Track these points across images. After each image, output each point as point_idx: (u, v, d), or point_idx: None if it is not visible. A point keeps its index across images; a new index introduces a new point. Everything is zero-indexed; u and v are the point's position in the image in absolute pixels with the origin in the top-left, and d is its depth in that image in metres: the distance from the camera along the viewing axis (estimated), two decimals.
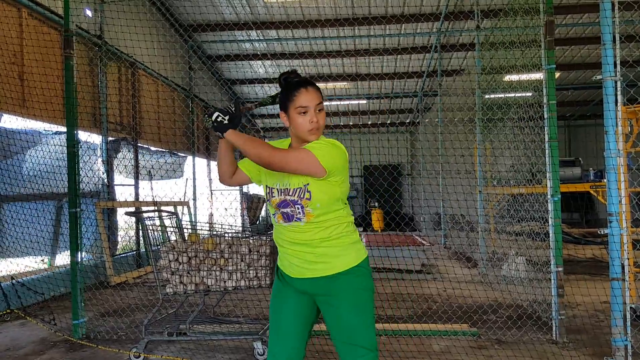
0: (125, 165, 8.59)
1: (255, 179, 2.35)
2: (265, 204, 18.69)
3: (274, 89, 14.96)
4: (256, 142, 2.10)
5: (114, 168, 8.29)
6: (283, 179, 2.19)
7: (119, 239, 8.57)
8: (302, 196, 2.14)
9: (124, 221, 8.55)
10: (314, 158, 2.08)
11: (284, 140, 2.35)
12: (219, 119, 2.12)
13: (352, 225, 2.25)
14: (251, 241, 4.05)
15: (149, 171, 9.42)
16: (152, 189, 9.52)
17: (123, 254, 8.51)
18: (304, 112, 2.14)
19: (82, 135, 7.01)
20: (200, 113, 12.92)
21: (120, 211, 8.28)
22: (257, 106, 2.37)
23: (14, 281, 5.65)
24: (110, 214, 8.02)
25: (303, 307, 2.24)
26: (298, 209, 2.15)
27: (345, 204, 2.26)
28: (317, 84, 2.22)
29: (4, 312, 5.37)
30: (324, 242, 2.16)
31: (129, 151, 8.83)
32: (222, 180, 2.37)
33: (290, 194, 2.16)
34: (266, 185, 2.27)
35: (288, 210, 2.17)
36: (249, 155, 2.10)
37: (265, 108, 17.04)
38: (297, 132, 2.19)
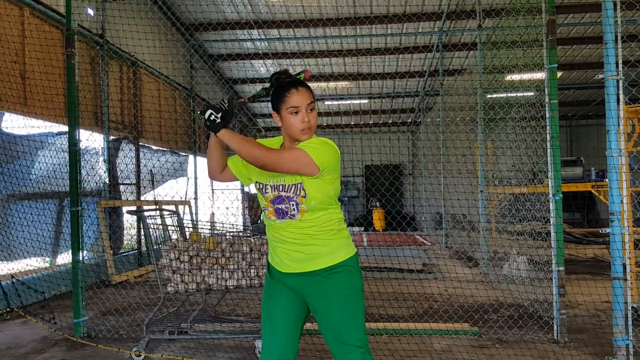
0: (126, 164, 8.59)
1: (243, 179, 2.33)
2: None
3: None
4: (250, 143, 2.10)
5: (116, 167, 8.30)
6: (277, 175, 2.19)
7: (123, 238, 8.58)
8: (297, 193, 2.15)
9: (125, 220, 8.56)
10: (308, 157, 2.09)
11: (274, 139, 2.36)
12: (211, 118, 2.10)
13: (342, 223, 2.27)
14: (252, 240, 4.05)
15: (152, 177, 9.41)
16: (153, 188, 9.53)
17: (124, 252, 8.51)
18: (295, 112, 2.16)
19: (84, 134, 7.01)
20: (196, 111, 12.93)
21: (123, 210, 8.29)
22: (251, 100, 2.36)
23: (14, 280, 5.65)
24: (113, 212, 8.02)
25: (294, 302, 2.25)
26: (293, 205, 2.16)
27: (337, 202, 2.28)
28: (308, 84, 2.23)
29: (4, 311, 5.38)
30: (314, 240, 2.17)
31: (130, 150, 8.83)
32: (210, 175, 2.36)
33: (286, 190, 2.17)
34: (257, 182, 2.27)
35: (282, 206, 2.18)
36: (243, 156, 2.09)
37: (268, 106, 17.04)
38: (289, 132, 2.20)
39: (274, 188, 2.20)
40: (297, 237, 2.18)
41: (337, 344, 2.15)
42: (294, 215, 2.17)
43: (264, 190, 2.24)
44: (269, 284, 2.32)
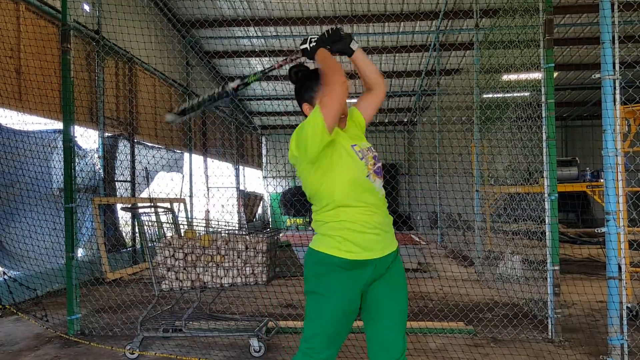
0: (121, 161, 8.55)
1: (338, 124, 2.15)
2: (262, 201, 18.73)
3: (271, 85, 14.94)
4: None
5: (114, 164, 8.26)
6: (362, 139, 2.22)
7: (123, 237, 8.54)
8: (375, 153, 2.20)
9: (119, 217, 8.52)
10: None
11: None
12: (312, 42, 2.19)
13: None
14: (248, 238, 4.03)
15: (147, 174, 9.37)
16: (148, 185, 9.49)
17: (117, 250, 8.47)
18: None
19: (79, 130, 6.97)
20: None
21: (118, 208, 8.26)
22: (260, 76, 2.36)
23: (5, 277, 5.60)
24: (107, 209, 7.98)
25: (357, 309, 2.11)
26: (379, 165, 2.16)
27: None
28: None
29: None
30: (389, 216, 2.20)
31: (125, 146, 8.79)
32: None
33: (373, 150, 2.18)
34: (354, 145, 2.11)
35: (379, 165, 2.16)
36: (333, 81, 1.97)
37: (264, 104, 17.03)
38: None
39: (368, 150, 2.15)
40: (383, 207, 2.14)
41: (397, 325, 2.07)
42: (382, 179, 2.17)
43: (361, 153, 2.10)
44: (345, 288, 2.01)
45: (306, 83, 2.17)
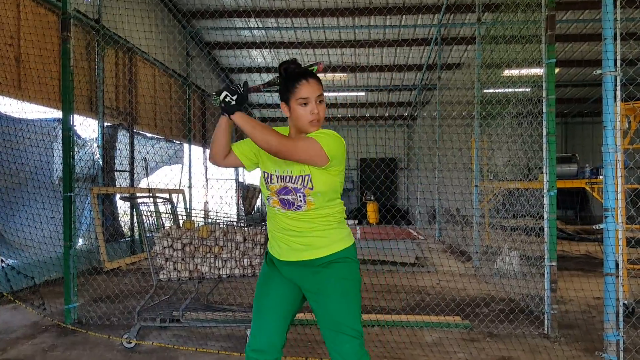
0: (120, 150, 8.54)
1: (249, 165, 2.31)
2: (261, 193, 18.70)
3: (271, 77, 14.88)
4: (264, 128, 2.07)
5: (113, 154, 8.25)
6: (284, 165, 2.18)
7: (122, 227, 8.53)
8: (305, 185, 2.14)
9: (118, 206, 8.51)
10: (319, 146, 2.09)
11: (280, 128, 2.33)
12: (226, 99, 2.07)
13: (343, 215, 2.28)
14: (246, 229, 4.03)
15: (146, 164, 9.36)
16: (147, 175, 9.48)
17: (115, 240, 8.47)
18: (304, 104, 2.14)
19: (78, 119, 6.95)
20: (196, 98, 12.86)
21: (117, 198, 8.25)
22: (266, 87, 2.29)
23: (4, 265, 5.61)
24: (106, 199, 7.97)
25: (288, 293, 2.27)
26: (300, 196, 2.16)
27: (340, 195, 2.28)
28: (317, 75, 2.20)
29: None
30: (315, 232, 2.18)
31: (124, 136, 8.78)
32: (213, 160, 2.29)
33: (293, 181, 2.16)
34: (264, 171, 2.25)
35: (289, 197, 2.17)
36: (256, 140, 2.06)
37: (264, 95, 16.99)
38: (297, 123, 2.18)
39: (281, 179, 2.18)
40: (299, 228, 2.18)
41: (333, 332, 2.15)
42: (300, 207, 2.17)
43: (269, 180, 2.22)
44: (264, 274, 2.33)
45: (287, 83, 2.16)
